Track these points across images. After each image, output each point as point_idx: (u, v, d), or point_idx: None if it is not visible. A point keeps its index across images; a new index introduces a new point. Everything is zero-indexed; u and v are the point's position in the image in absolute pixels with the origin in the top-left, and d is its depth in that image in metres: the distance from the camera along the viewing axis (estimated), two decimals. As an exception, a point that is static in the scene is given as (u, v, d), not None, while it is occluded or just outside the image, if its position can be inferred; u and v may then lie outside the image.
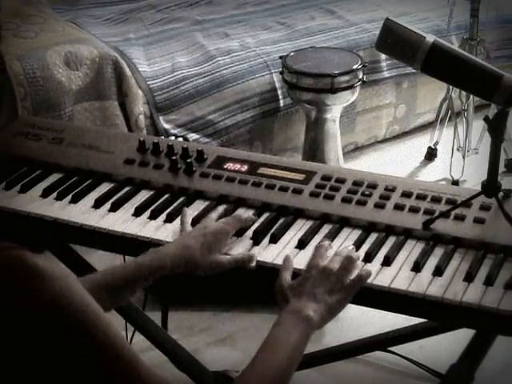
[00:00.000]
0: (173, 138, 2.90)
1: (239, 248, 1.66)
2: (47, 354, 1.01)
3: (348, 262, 1.49)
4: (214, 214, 1.73)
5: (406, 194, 1.78)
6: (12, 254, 1.02)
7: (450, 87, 3.55)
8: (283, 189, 1.82)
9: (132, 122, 3.29)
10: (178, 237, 1.66)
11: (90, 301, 1.06)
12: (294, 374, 1.33)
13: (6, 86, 1.11)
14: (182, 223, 1.71)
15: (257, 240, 1.68)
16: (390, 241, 1.67)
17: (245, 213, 1.77)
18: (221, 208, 1.79)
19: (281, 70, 3.37)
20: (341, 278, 1.46)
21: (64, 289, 1.02)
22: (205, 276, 1.60)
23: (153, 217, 1.78)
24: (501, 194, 1.70)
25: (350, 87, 3.24)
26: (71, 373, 1.03)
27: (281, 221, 1.75)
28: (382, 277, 1.57)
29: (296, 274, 1.50)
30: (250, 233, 1.70)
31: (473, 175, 3.39)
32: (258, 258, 1.63)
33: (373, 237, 1.69)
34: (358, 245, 1.65)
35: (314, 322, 1.39)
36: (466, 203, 1.71)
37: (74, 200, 1.84)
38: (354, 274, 1.48)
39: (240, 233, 1.70)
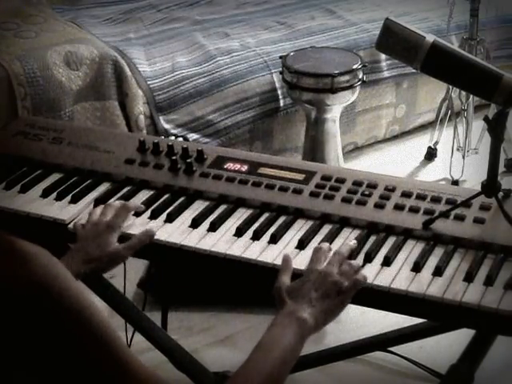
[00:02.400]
0: (173, 137, 2.89)
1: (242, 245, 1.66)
2: (34, 336, 1.01)
3: (346, 266, 1.50)
4: (117, 202, 1.74)
5: (406, 194, 1.78)
6: (1, 239, 1.04)
7: (450, 87, 3.55)
8: (283, 189, 1.82)
9: (132, 122, 3.28)
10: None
11: (77, 285, 1.07)
12: (295, 374, 1.33)
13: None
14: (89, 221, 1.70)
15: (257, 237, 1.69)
16: (390, 241, 1.67)
17: (245, 213, 1.78)
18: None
19: (281, 69, 3.37)
20: (338, 282, 1.46)
21: (51, 273, 1.03)
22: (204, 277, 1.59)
23: (153, 217, 1.78)
24: (501, 194, 1.70)
25: (350, 87, 3.24)
26: (57, 355, 1.03)
27: (281, 221, 1.75)
28: (382, 277, 1.57)
29: (296, 274, 1.50)
30: (250, 233, 1.71)
31: (473, 175, 3.38)
32: (258, 259, 1.63)
33: (373, 237, 1.69)
34: (358, 245, 1.65)
35: (309, 325, 1.40)
36: (466, 203, 1.71)
37: (74, 200, 1.84)
38: (351, 278, 1.48)
39: (240, 233, 1.71)
